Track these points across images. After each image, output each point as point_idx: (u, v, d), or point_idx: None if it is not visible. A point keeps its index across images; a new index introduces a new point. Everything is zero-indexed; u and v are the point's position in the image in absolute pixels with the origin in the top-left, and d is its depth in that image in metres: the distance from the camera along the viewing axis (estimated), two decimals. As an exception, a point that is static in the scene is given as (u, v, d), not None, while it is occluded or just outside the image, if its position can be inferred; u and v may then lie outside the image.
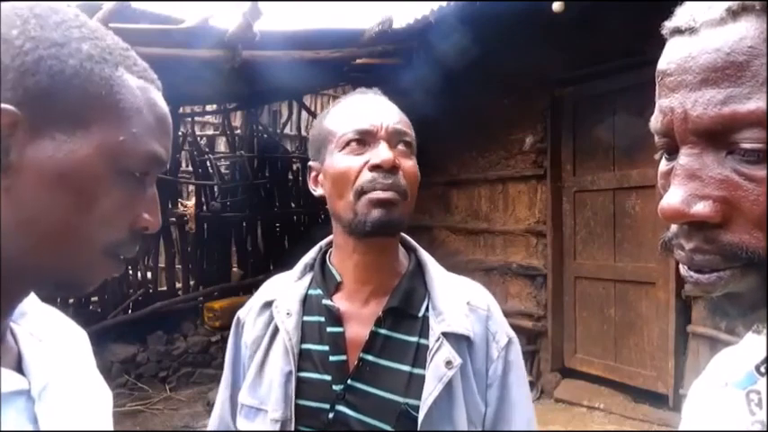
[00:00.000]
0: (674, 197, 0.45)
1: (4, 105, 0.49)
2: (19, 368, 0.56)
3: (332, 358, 0.95)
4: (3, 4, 0.52)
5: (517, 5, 3.66)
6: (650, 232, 3.93)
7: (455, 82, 4.69)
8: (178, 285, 6.34)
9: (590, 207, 4.42)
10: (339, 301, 0.99)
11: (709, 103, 0.43)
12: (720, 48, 0.43)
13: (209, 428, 1.09)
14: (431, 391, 0.89)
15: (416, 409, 0.90)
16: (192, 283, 6.33)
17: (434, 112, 4.43)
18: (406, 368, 0.93)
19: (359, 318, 0.97)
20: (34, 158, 0.51)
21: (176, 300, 6.00)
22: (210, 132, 7.67)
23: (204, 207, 6.26)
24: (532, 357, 4.73)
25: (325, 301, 0.98)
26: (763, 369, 0.53)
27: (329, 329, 0.97)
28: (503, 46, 4.31)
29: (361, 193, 0.92)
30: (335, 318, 0.97)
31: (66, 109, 0.53)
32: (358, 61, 4.81)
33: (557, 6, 3.58)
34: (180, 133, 6.47)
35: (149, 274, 6.11)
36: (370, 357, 0.94)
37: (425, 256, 1.05)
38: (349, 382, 0.94)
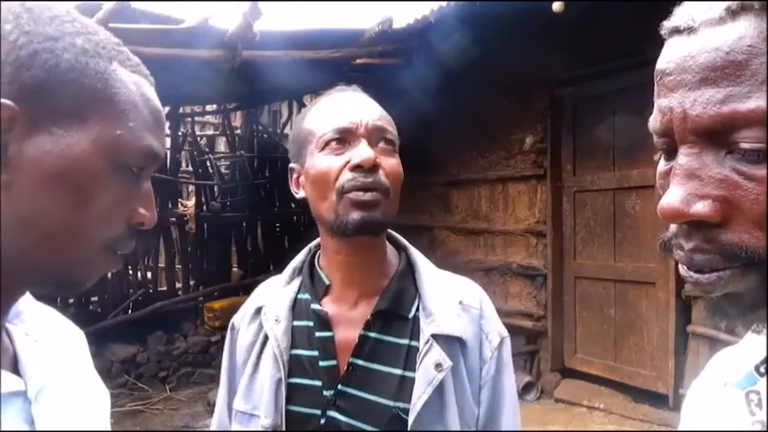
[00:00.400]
0: (673, 197, 0.45)
1: (2, 100, 0.49)
2: (15, 369, 0.56)
3: (322, 363, 0.94)
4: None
5: (517, 5, 3.66)
6: (650, 232, 3.93)
7: (455, 82, 4.68)
8: (178, 285, 6.34)
9: (590, 207, 4.42)
10: (328, 305, 0.97)
11: (709, 102, 0.43)
12: (720, 47, 0.43)
13: None
14: (420, 395, 0.88)
15: (407, 412, 0.88)
16: (192, 283, 6.33)
17: (434, 112, 4.44)
18: (398, 371, 0.92)
19: (348, 321, 0.96)
20: (32, 154, 0.51)
21: (176, 300, 6.00)
22: (210, 132, 7.68)
23: (204, 207, 6.26)
24: (532, 357, 4.73)
25: (314, 306, 0.96)
26: (762, 369, 0.53)
27: (318, 334, 0.95)
28: (503, 46, 4.31)
29: (342, 192, 0.90)
30: (324, 322, 0.95)
31: (62, 103, 0.53)
32: (358, 61, 4.81)
33: (557, 6, 3.58)
34: (180, 133, 6.48)
35: (149, 274, 6.11)
36: (360, 362, 0.93)
37: (416, 254, 1.03)
38: (339, 387, 0.92)
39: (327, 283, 0.98)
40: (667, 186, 0.47)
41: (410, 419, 0.87)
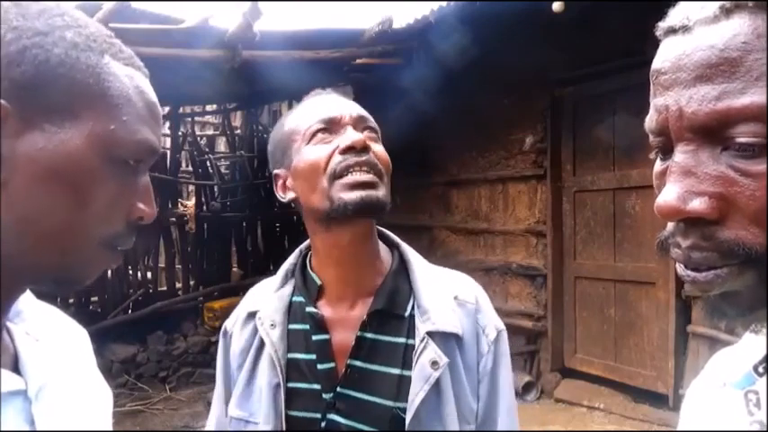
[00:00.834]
0: (669, 194, 0.45)
1: None
2: (16, 368, 0.56)
3: (320, 366, 0.93)
4: None
5: (517, 5, 3.66)
6: (650, 232, 3.93)
7: (455, 82, 4.68)
8: (178, 285, 6.34)
9: (590, 207, 4.42)
10: (323, 307, 0.96)
11: (704, 99, 0.43)
12: (714, 44, 0.43)
13: None
14: (417, 393, 0.87)
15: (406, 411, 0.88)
16: (192, 283, 6.33)
17: (434, 111, 4.44)
18: (396, 371, 0.91)
19: (344, 322, 0.95)
20: (26, 152, 0.51)
21: (176, 300, 6.00)
22: (210, 132, 7.67)
23: (204, 207, 6.26)
24: (532, 357, 4.73)
25: (309, 309, 0.96)
26: (761, 369, 0.53)
27: (314, 337, 0.94)
28: (503, 46, 4.31)
29: (334, 177, 0.89)
30: (320, 325, 0.94)
31: (54, 99, 0.52)
32: (358, 61, 4.81)
33: (557, 6, 3.58)
34: (180, 133, 6.48)
35: (149, 274, 6.11)
36: (357, 363, 0.92)
37: (408, 251, 1.02)
38: (338, 389, 0.92)
39: (319, 283, 0.97)
40: (664, 185, 0.47)
41: (407, 418, 0.87)
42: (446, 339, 0.92)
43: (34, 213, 0.51)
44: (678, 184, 0.45)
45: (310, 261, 1.01)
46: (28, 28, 0.51)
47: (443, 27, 4.00)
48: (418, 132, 4.34)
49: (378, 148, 0.94)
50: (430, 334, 0.91)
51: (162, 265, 6.27)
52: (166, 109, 6.20)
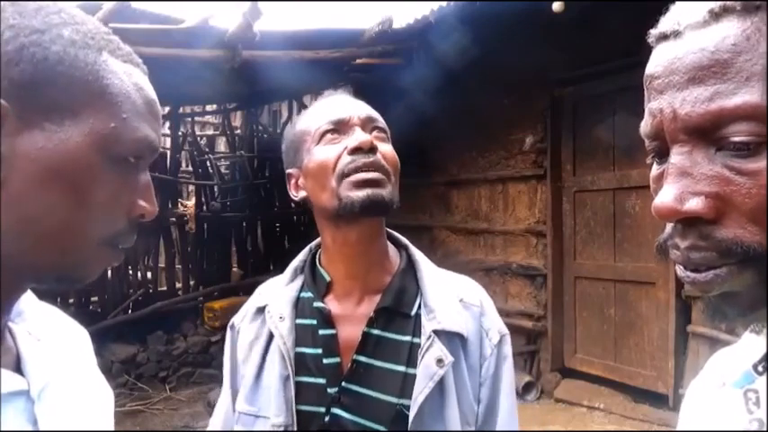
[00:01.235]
0: (666, 195, 0.45)
1: None
2: (18, 368, 0.56)
3: (325, 361, 0.94)
4: None
5: (517, 5, 3.66)
6: (650, 232, 3.93)
7: (455, 82, 4.68)
8: (178, 285, 6.34)
9: (590, 207, 4.42)
10: (331, 303, 0.98)
11: (697, 100, 0.44)
12: (705, 47, 0.44)
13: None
14: (421, 390, 0.88)
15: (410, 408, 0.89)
16: (192, 283, 6.33)
17: (434, 112, 4.44)
18: (401, 368, 0.92)
19: (351, 318, 0.96)
20: (26, 151, 0.50)
21: (176, 300, 6.00)
22: (210, 132, 7.68)
23: (204, 207, 6.26)
24: (532, 357, 4.73)
25: (317, 303, 0.97)
26: (760, 368, 0.53)
27: (321, 332, 0.96)
28: (503, 46, 4.31)
29: (342, 176, 0.91)
30: (327, 319, 0.96)
31: (53, 98, 0.51)
32: (358, 61, 4.81)
33: (557, 6, 3.58)
34: (180, 133, 6.48)
35: (149, 274, 6.11)
36: (363, 359, 0.94)
37: (416, 252, 1.04)
38: (343, 384, 0.93)
39: (328, 279, 0.99)
40: (661, 189, 0.47)
41: (411, 414, 0.88)
42: (451, 339, 0.93)
43: (34, 213, 0.51)
44: (675, 185, 0.45)
45: (320, 258, 1.03)
46: (25, 26, 0.51)
47: (443, 27, 4.00)
48: (418, 132, 4.33)
49: (386, 149, 0.96)
50: (436, 332, 0.92)
51: (162, 265, 6.27)
52: (166, 109, 6.20)
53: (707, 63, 0.44)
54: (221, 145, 7.52)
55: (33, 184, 0.51)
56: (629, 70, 3.79)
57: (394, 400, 0.91)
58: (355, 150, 0.91)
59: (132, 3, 4.05)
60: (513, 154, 4.87)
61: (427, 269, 1.01)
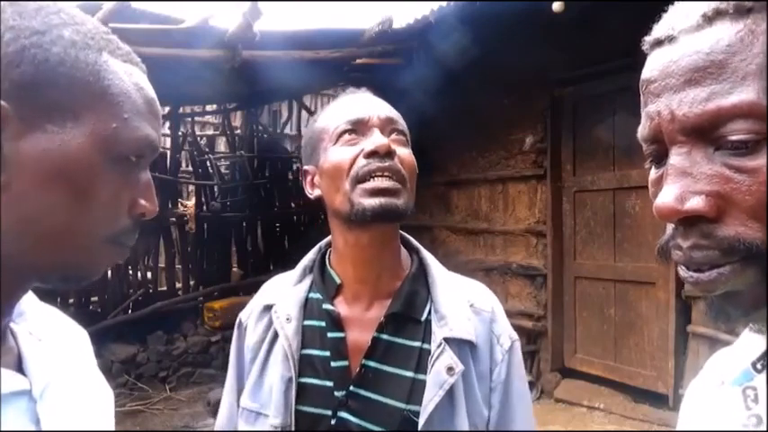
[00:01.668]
0: (667, 195, 0.46)
1: None
2: (20, 368, 0.56)
3: (333, 364, 0.94)
4: None
5: (517, 5, 3.66)
6: (650, 232, 3.93)
7: (455, 82, 4.69)
8: (178, 285, 6.34)
9: (590, 207, 4.42)
10: (340, 305, 0.97)
11: (694, 101, 0.45)
12: (700, 49, 0.45)
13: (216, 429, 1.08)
14: (431, 398, 0.88)
15: (418, 415, 0.88)
16: (192, 283, 6.33)
17: (434, 112, 4.44)
18: (409, 374, 0.92)
19: (361, 322, 0.95)
20: (28, 153, 0.50)
21: (176, 300, 6.00)
22: (210, 132, 7.68)
23: (204, 207, 6.26)
24: (532, 357, 4.73)
25: (326, 306, 0.96)
26: (759, 366, 0.54)
27: (330, 335, 0.95)
28: (503, 46, 4.31)
29: (356, 181, 0.90)
30: (336, 322, 0.95)
31: (55, 99, 0.51)
32: (358, 61, 4.82)
33: (557, 6, 3.59)
34: (180, 133, 6.48)
35: (149, 274, 6.11)
36: (372, 363, 0.93)
37: (428, 257, 1.03)
38: (351, 388, 0.92)
39: (339, 282, 0.98)
40: (660, 191, 0.48)
41: (420, 422, 0.87)
42: (461, 346, 0.93)
43: (35, 213, 0.51)
44: (675, 185, 0.46)
45: (329, 258, 1.02)
46: (25, 27, 0.50)
47: (443, 27, 4.00)
48: (418, 132, 4.32)
49: (404, 152, 0.94)
50: (446, 340, 0.91)
51: (162, 265, 6.27)
52: (166, 109, 6.20)
53: (702, 65, 0.44)
54: (221, 145, 7.52)
55: (35, 186, 0.51)
56: (629, 70, 3.79)
57: (402, 405, 0.90)
58: (371, 154, 0.89)
59: (132, 3, 4.05)
60: (513, 154, 4.87)
61: (438, 274, 1.00)
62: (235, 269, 6.60)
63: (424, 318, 0.95)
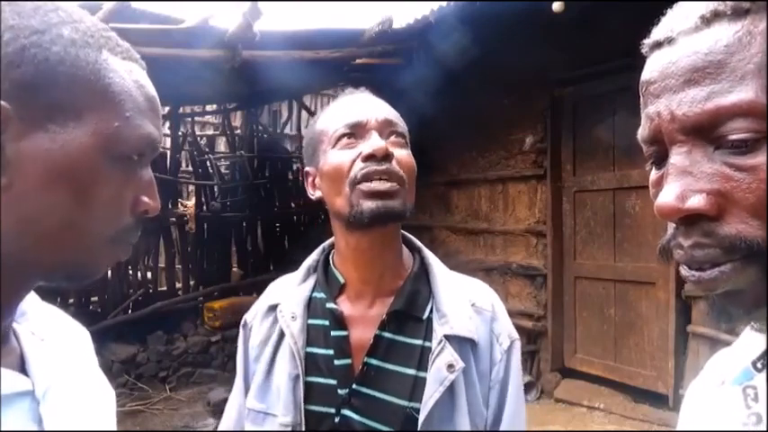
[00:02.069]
0: (668, 194, 0.46)
1: None
2: (22, 368, 0.56)
3: (337, 362, 0.94)
4: None
5: (517, 5, 3.66)
6: (650, 232, 3.93)
7: (455, 82, 4.69)
8: (178, 285, 6.33)
9: (590, 207, 4.42)
10: (343, 304, 0.98)
11: (694, 100, 0.45)
12: (699, 50, 0.46)
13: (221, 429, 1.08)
14: (431, 394, 0.89)
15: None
16: (192, 283, 6.33)
17: (434, 112, 4.44)
18: (411, 372, 0.92)
19: (363, 321, 0.96)
20: (30, 153, 0.50)
21: (176, 300, 6.00)
22: (210, 132, 7.68)
23: (204, 207, 6.26)
24: (532, 357, 4.73)
25: (329, 305, 0.97)
26: (759, 365, 0.54)
27: (333, 333, 0.96)
28: (503, 46, 4.31)
29: (355, 183, 0.91)
30: (339, 321, 0.96)
31: (56, 98, 0.51)
32: (358, 61, 4.81)
33: (557, 6, 3.59)
34: (180, 133, 6.48)
35: (149, 274, 6.10)
36: (374, 361, 0.94)
37: (430, 256, 1.04)
38: (354, 386, 0.93)
39: (342, 281, 0.99)
40: (660, 191, 0.48)
41: (420, 418, 0.88)
42: (462, 344, 0.93)
43: (39, 213, 0.51)
44: (676, 184, 0.46)
45: (333, 258, 1.03)
46: (25, 26, 0.50)
47: (443, 27, 4.00)
48: (418, 132, 4.32)
49: (402, 154, 0.95)
50: (447, 337, 0.92)
51: (162, 265, 6.27)
52: (166, 109, 6.20)
53: (701, 65, 0.45)
54: (221, 145, 7.52)
55: (37, 186, 0.51)
56: (629, 70, 3.79)
57: (404, 403, 0.91)
58: (369, 157, 0.90)
59: (132, 3, 4.05)
60: (513, 154, 4.87)
61: (440, 273, 1.01)
62: (235, 269, 6.60)
63: (425, 316, 0.96)
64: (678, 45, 0.47)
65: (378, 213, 0.90)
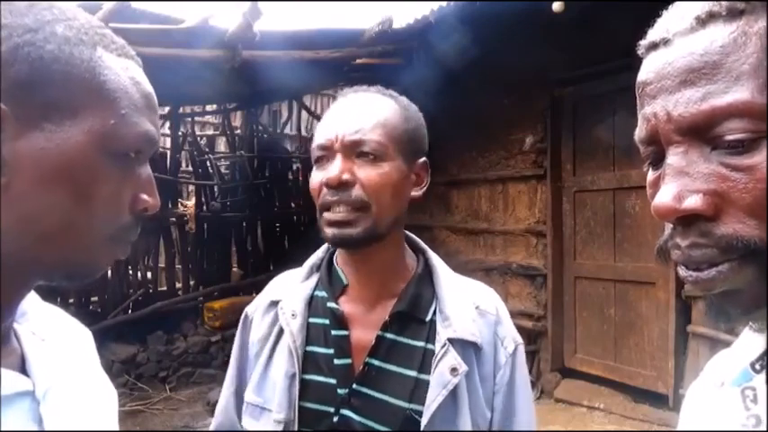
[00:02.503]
0: (665, 195, 0.46)
1: None
2: (23, 369, 0.56)
3: (337, 362, 0.94)
4: None
5: (517, 5, 3.66)
6: (650, 232, 3.93)
7: (455, 82, 4.69)
8: (178, 285, 6.34)
9: (590, 207, 4.42)
10: (345, 304, 0.98)
11: (690, 101, 0.45)
12: (695, 51, 0.46)
13: (213, 421, 1.09)
14: (434, 398, 0.89)
15: (421, 414, 0.89)
16: (192, 283, 6.33)
17: (434, 112, 4.42)
18: (412, 374, 0.92)
19: (365, 321, 0.96)
20: (27, 153, 0.50)
21: (176, 300, 6.00)
22: (210, 132, 7.68)
23: (204, 207, 6.26)
24: (532, 357, 4.73)
25: (330, 304, 0.97)
26: (758, 366, 0.54)
27: (334, 332, 0.96)
28: (503, 46, 4.31)
29: (321, 210, 0.93)
30: (340, 321, 0.96)
31: (51, 97, 0.51)
32: (358, 61, 4.81)
33: (557, 6, 3.59)
34: (180, 133, 6.48)
35: (149, 274, 6.11)
36: (376, 362, 0.94)
37: (434, 258, 1.04)
38: (354, 386, 0.93)
39: (345, 282, 0.99)
40: (657, 192, 0.48)
41: (423, 421, 0.88)
42: (465, 347, 0.93)
43: (36, 212, 0.51)
44: (673, 185, 0.46)
45: (337, 258, 1.03)
46: (18, 25, 0.50)
47: (443, 27, 4.00)
48: (418, 132, 4.32)
49: (368, 174, 0.91)
50: (451, 341, 0.92)
51: (162, 265, 6.27)
52: (166, 109, 6.20)
53: (697, 66, 0.45)
54: (221, 145, 7.52)
55: (35, 185, 0.50)
56: (629, 70, 3.77)
57: (404, 404, 0.91)
58: (327, 185, 0.91)
59: (132, 3, 4.05)
60: (513, 154, 4.87)
61: (444, 275, 1.01)
62: (235, 269, 6.60)
63: (428, 318, 0.96)
64: (674, 46, 0.48)
65: (336, 241, 0.93)
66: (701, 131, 0.45)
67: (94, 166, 0.53)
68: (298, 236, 6.82)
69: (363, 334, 0.95)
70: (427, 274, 1.01)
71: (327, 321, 0.97)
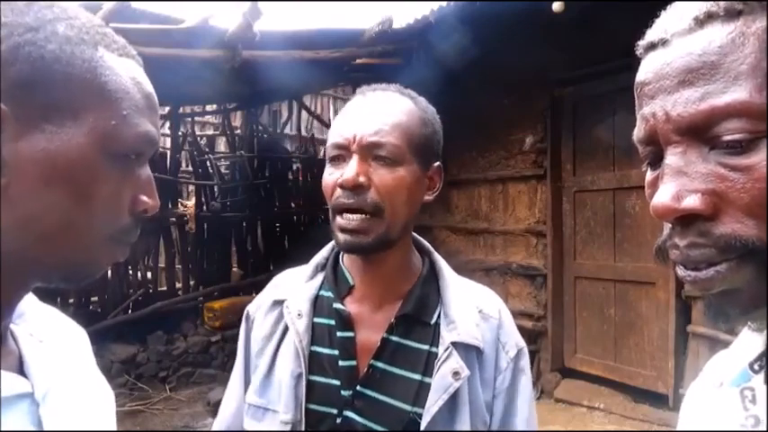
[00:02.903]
0: (664, 194, 0.46)
1: None
2: (20, 370, 0.56)
3: (341, 363, 0.94)
4: None
5: (517, 5, 3.66)
6: (650, 232, 3.93)
7: (455, 82, 4.68)
8: (178, 285, 6.34)
9: (590, 207, 4.42)
10: (351, 305, 0.97)
11: (688, 101, 0.45)
12: (693, 51, 0.46)
13: (217, 425, 1.07)
14: (435, 401, 0.88)
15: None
16: (192, 283, 6.33)
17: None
18: (417, 377, 0.92)
19: (370, 323, 0.96)
20: (27, 154, 0.50)
21: (176, 300, 6.00)
22: (210, 132, 7.68)
23: (204, 207, 6.26)
24: (532, 357, 4.73)
25: (336, 305, 0.97)
26: (756, 366, 0.54)
27: (339, 334, 0.95)
28: (503, 46, 4.31)
29: (334, 211, 0.91)
30: (346, 322, 0.95)
31: (52, 97, 0.50)
32: (358, 61, 4.81)
33: (557, 6, 3.59)
34: (180, 133, 6.48)
35: (149, 274, 6.10)
36: (380, 364, 0.93)
37: (439, 260, 1.03)
38: (358, 388, 0.92)
39: (352, 283, 0.98)
40: (656, 192, 0.48)
41: (423, 423, 0.88)
42: (468, 351, 0.93)
43: (37, 213, 0.51)
44: (671, 185, 0.46)
45: (342, 257, 1.02)
46: (18, 24, 0.49)
47: (443, 27, 4.00)
48: (418, 132, 4.32)
49: (383, 177, 0.90)
50: (454, 344, 0.92)
51: (162, 265, 6.27)
52: (166, 109, 6.20)
53: (695, 66, 0.45)
54: (221, 145, 7.52)
55: (35, 186, 0.50)
56: (629, 70, 3.75)
57: (408, 407, 0.90)
58: (342, 186, 0.89)
59: (132, 3, 4.05)
60: (513, 154, 4.87)
61: (449, 278, 1.00)
62: (235, 269, 6.60)
63: (433, 321, 0.95)
64: (672, 46, 0.48)
65: (347, 248, 0.92)
66: (700, 131, 0.45)
67: (95, 168, 0.53)
68: (298, 236, 6.82)
69: (368, 336, 0.95)
70: (432, 276, 1.00)
71: (333, 322, 0.97)
